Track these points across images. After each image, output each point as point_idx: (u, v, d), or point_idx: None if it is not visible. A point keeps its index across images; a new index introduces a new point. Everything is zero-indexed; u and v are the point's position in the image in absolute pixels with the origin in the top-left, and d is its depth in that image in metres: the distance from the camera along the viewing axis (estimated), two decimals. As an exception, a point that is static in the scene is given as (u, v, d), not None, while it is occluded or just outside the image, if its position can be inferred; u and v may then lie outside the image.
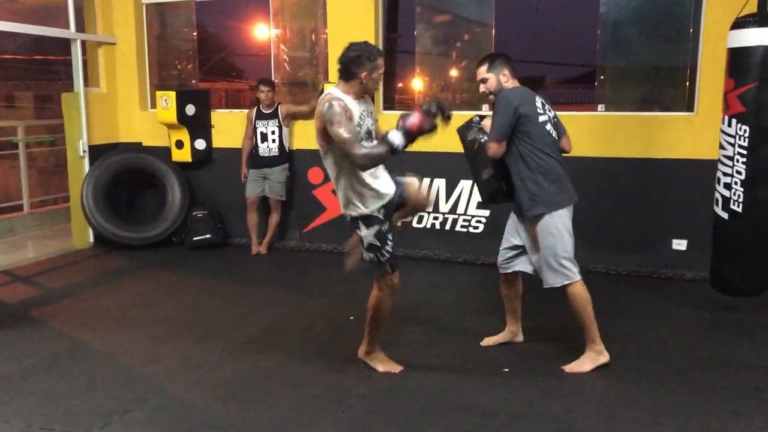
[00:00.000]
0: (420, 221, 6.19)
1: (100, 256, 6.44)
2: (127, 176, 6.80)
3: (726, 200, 4.38)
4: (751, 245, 4.35)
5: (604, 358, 3.63)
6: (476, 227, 6.05)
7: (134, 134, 7.14)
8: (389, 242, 3.44)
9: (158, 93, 6.59)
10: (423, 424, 3.12)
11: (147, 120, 7.07)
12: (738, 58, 4.25)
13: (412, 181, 3.63)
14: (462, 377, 3.61)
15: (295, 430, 3.09)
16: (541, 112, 3.57)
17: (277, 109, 6.33)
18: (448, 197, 6.09)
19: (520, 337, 4.04)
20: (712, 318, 4.55)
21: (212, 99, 7.08)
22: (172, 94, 6.46)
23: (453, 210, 6.10)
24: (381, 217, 3.40)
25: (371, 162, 3.22)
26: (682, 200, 5.48)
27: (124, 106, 7.13)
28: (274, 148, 6.32)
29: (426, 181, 6.07)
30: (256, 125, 6.33)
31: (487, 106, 6.17)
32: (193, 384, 3.56)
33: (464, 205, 6.06)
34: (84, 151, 6.67)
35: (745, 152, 4.24)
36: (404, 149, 3.19)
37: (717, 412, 3.20)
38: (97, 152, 6.72)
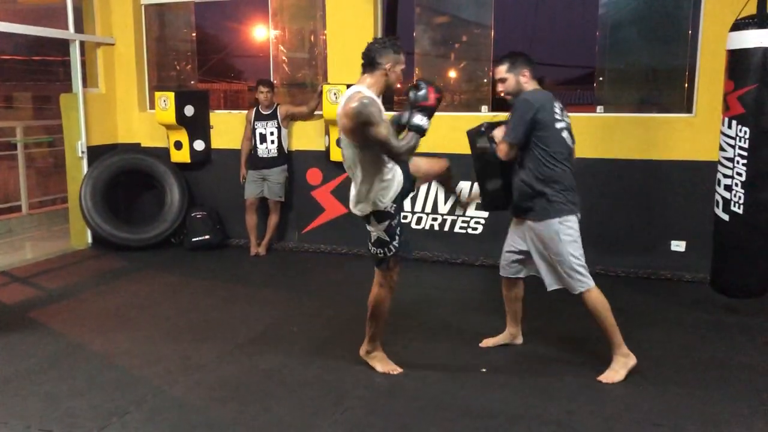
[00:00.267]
0: (419, 222, 6.18)
1: (98, 257, 6.43)
2: (126, 177, 6.79)
3: (726, 202, 4.38)
4: (752, 247, 4.35)
5: (633, 360, 3.58)
6: (475, 228, 6.05)
7: (133, 135, 7.13)
8: (398, 237, 3.44)
9: (157, 94, 6.59)
10: (422, 425, 3.11)
11: (146, 121, 7.07)
12: (738, 60, 4.25)
13: (414, 162, 3.59)
14: (461, 378, 3.61)
15: (294, 431, 3.09)
16: (559, 118, 3.51)
17: (276, 110, 6.33)
18: (447, 199, 6.09)
19: (519, 339, 4.03)
20: (711, 319, 4.55)
21: (211, 100, 7.08)
22: (171, 95, 6.46)
23: (452, 211, 6.10)
24: (392, 212, 3.42)
25: (411, 153, 3.29)
26: (680, 201, 5.48)
27: (123, 106, 7.12)
28: (273, 149, 6.31)
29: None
30: (255, 126, 6.32)
31: (486, 107, 6.18)
32: (192, 385, 3.56)
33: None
34: (82, 152, 6.66)
35: (745, 154, 4.24)
36: (428, 126, 3.28)
37: (716, 414, 3.20)
38: (95, 153, 6.71)
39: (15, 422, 3.16)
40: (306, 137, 6.52)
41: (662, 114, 5.72)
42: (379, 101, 3.29)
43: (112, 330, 4.40)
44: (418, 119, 3.23)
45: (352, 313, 4.62)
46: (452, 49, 6.92)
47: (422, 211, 6.15)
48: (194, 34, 7.42)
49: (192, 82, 7.58)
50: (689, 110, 5.53)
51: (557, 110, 3.52)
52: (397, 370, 3.64)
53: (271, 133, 6.31)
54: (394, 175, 3.41)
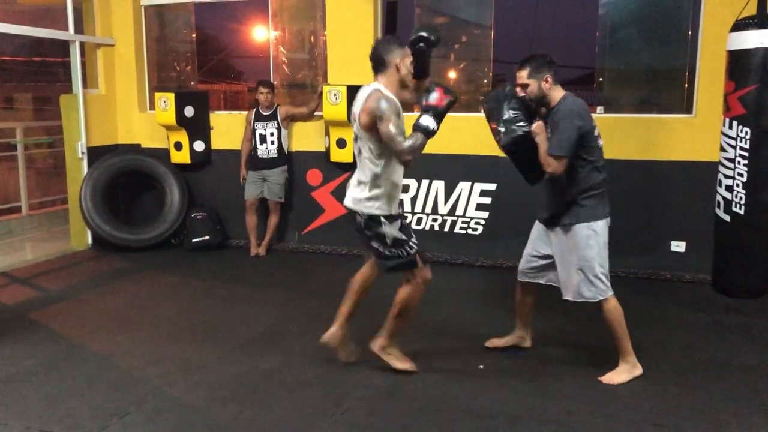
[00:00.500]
0: (419, 223, 6.18)
1: (98, 257, 6.43)
2: (126, 178, 6.80)
3: (727, 202, 4.38)
4: (753, 247, 4.36)
5: (639, 370, 3.55)
6: (475, 229, 6.05)
7: (133, 136, 7.14)
8: (412, 233, 3.44)
9: (157, 95, 6.59)
10: (422, 426, 3.11)
11: (146, 122, 7.07)
12: (738, 61, 4.26)
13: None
14: (461, 379, 3.61)
15: (294, 431, 3.09)
16: (595, 124, 3.43)
17: (276, 110, 6.33)
18: (447, 199, 6.09)
19: (527, 343, 3.97)
20: (711, 320, 4.55)
21: (211, 101, 7.08)
22: (171, 96, 6.46)
23: (452, 212, 6.10)
24: (401, 211, 3.44)
25: (415, 153, 3.24)
26: (680, 202, 5.48)
27: (123, 107, 7.13)
28: (273, 149, 6.31)
29: (425, 183, 6.08)
30: (255, 127, 6.33)
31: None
32: (192, 386, 3.56)
33: (463, 206, 6.05)
34: (82, 153, 6.66)
35: (746, 154, 4.25)
36: (437, 128, 3.26)
37: (716, 414, 3.20)
38: (95, 154, 6.71)
39: (15, 423, 3.16)
40: (306, 138, 6.52)
41: (662, 114, 5.73)
42: (397, 101, 3.30)
43: (113, 331, 4.40)
44: (426, 119, 3.22)
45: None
46: (452, 49, 6.93)
47: (422, 212, 6.15)
48: (194, 35, 7.43)
49: (192, 83, 7.59)
50: (689, 111, 5.53)
51: (593, 116, 3.45)
52: (413, 367, 3.63)
53: (271, 134, 6.31)
54: (398, 177, 3.41)
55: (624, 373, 3.55)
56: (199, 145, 6.75)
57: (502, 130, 3.44)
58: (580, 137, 3.32)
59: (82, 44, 6.74)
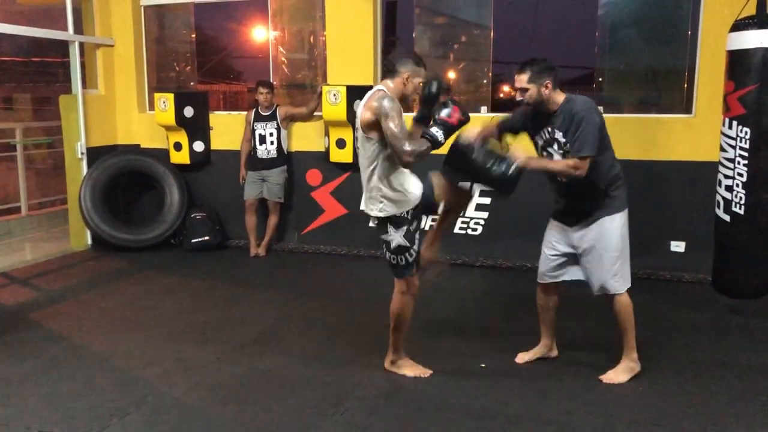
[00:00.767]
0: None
1: (98, 258, 6.43)
2: (126, 178, 6.79)
3: (727, 202, 4.38)
4: (753, 247, 4.35)
5: (638, 368, 3.56)
6: (475, 229, 6.05)
7: (132, 136, 7.13)
8: (417, 241, 3.43)
9: (156, 95, 6.58)
10: (422, 426, 3.11)
11: (145, 122, 7.07)
12: (738, 61, 4.25)
13: (438, 179, 3.52)
14: (461, 379, 3.60)
15: (293, 431, 3.09)
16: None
17: (275, 111, 6.33)
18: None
19: (554, 352, 3.85)
20: (711, 320, 4.55)
21: (210, 101, 7.08)
22: (171, 96, 6.46)
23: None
24: (409, 217, 3.40)
25: (416, 158, 3.20)
26: (680, 202, 5.48)
27: (123, 108, 7.12)
28: (273, 150, 6.31)
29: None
30: (255, 127, 6.32)
31: (486, 108, 6.18)
32: (192, 386, 3.55)
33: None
34: (82, 153, 6.66)
35: (746, 154, 4.24)
36: (444, 142, 3.28)
37: (716, 415, 3.20)
38: (95, 154, 6.71)
39: (15, 423, 3.16)
40: (305, 138, 6.52)
41: (662, 115, 5.73)
42: (398, 104, 3.30)
43: (112, 331, 4.40)
44: (437, 131, 3.23)
45: (352, 314, 4.62)
46: (451, 49, 6.93)
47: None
48: (194, 35, 7.43)
49: (191, 84, 7.59)
50: (689, 111, 5.53)
51: None
52: (427, 372, 3.62)
53: (271, 134, 6.31)
54: (410, 183, 3.41)
55: (624, 372, 3.55)
56: (198, 146, 6.75)
57: (495, 180, 3.35)
58: (600, 132, 3.32)
59: (81, 44, 6.73)
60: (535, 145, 3.55)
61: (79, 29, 6.73)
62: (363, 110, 3.31)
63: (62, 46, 6.86)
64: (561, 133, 3.36)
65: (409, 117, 3.39)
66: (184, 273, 5.86)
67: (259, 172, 6.34)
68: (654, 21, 5.85)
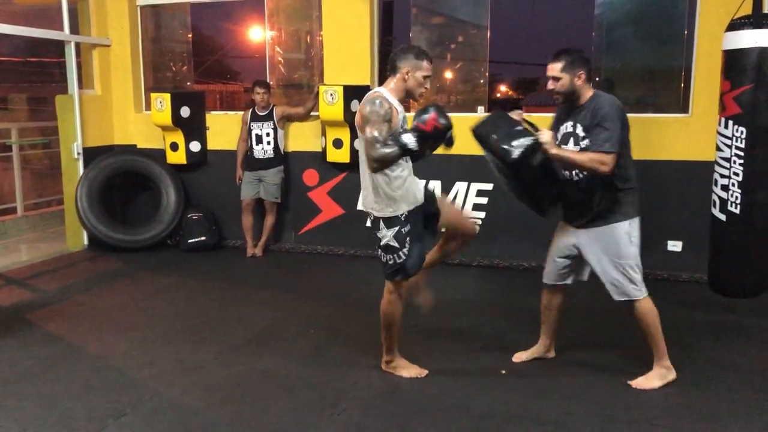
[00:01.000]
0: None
1: (94, 258, 6.41)
2: (122, 178, 6.78)
3: (723, 202, 4.38)
4: (749, 247, 4.36)
5: (672, 375, 3.48)
6: (472, 229, 6.04)
7: (129, 136, 7.12)
8: (407, 245, 3.37)
9: (153, 95, 6.57)
10: (419, 426, 3.11)
11: (142, 122, 7.05)
12: (734, 60, 4.26)
13: (446, 201, 3.50)
14: (458, 379, 3.60)
15: (291, 433, 3.08)
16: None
17: (272, 111, 6.32)
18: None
19: (552, 353, 3.84)
20: (708, 319, 4.55)
21: (207, 101, 7.07)
22: (167, 96, 6.45)
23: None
24: (402, 219, 3.37)
25: (382, 164, 3.20)
26: (676, 201, 5.49)
27: (119, 108, 7.11)
28: (269, 150, 6.31)
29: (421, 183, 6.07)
30: (251, 127, 6.32)
31: (483, 107, 6.17)
32: (189, 387, 3.55)
33: (459, 206, 6.05)
34: (78, 154, 6.64)
35: (741, 154, 4.25)
36: (419, 149, 3.17)
37: (713, 414, 3.20)
38: (91, 154, 6.69)
39: (11, 425, 3.14)
40: (302, 138, 6.51)
41: (658, 114, 5.73)
42: (395, 103, 3.30)
43: (109, 332, 4.39)
44: (407, 136, 3.16)
45: (349, 314, 4.62)
46: (448, 49, 6.93)
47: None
48: (190, 36, 7.41)
49: (188, 84, 7.57)
50: (685, 110, 5.54)
51: None
52: (423, 372, 3.61)
53: (267, 134, 6.30)
54: (409, 185, 3.40)
55: (657, 378, 3.48)
56: (195, 146, 6.74)
57: (509, 144, 3.23)
58: (623, 131, 3.28)
59: (77, 44, 6.72)
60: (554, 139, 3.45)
61: (75, 29, 6.72)
62: (358, 112, 3.33)
63: (58, 46, 6.84)
64: (582, 128, 3.32)
65: (410, 117, 3.38)
66: (181, 273, 5.85)
67: (256, 172, 6.34)
68: (650, 21, 5.85)
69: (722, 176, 4.38)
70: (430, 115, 3.16)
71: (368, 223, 3.51)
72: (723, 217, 4.40)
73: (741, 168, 4.26)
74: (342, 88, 5.86)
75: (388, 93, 3.33)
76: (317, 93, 6.07)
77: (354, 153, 6.04)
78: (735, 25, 4.25)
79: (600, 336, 3.98)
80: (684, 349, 4.00)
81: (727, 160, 4.32)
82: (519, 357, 3.84)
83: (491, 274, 5.76)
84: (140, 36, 7.11)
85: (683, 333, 4.29)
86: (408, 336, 4.22)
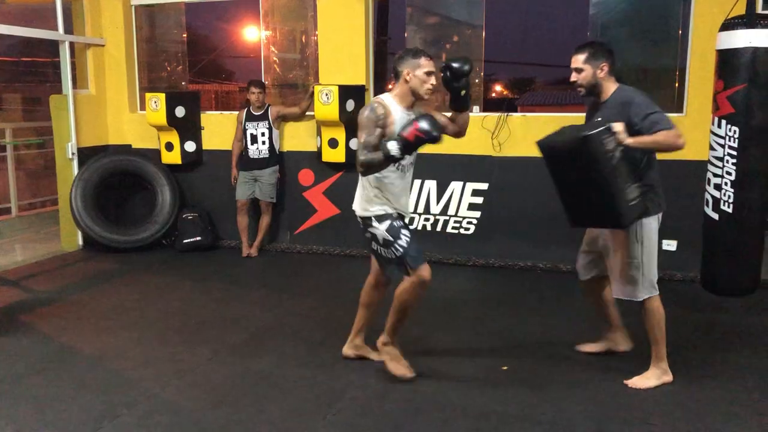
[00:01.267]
0: (411, 222, 6.18)
1: (89, 259, 6.40)
2: (117, 179, 6.76)
3: (716, 201, 4.40)
4: (742, 246, 4.38)
5: (668, 377, 3.48)
6: (467, 228, 6.06)
7: (123, 136, 7.11)
8: (402, 236, 3.39)
9: (148, 95, 6.55)
10: (415, 426, 3.11)
11: (136, 122, 7.04)
12: (727, 60, 4.28)
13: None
14: (455, 379, 3.61)
15: (287, 433, 3.08)
16: None
17: (267, 110, 6.32)
18: (439, 199, 6.09)
19: (622, 346, 3.78)
20: (703, 318, 4.57)
21: (202, 101, 7.06)
22: (162, 96, 6.43)
23: (444, 211, 6.10)
24: (394, 215, 3.42)
25: (368, 169, 3.27)
26: (671, 201, 5.45)
27: (113, 108, 7.09)
28: (264, 150, 6.30)
29: (417, 182, 6.08)
30: (246, 127, 6.31)
31: (478, 107, 6.18)
32: (184, 387, 3.54)
33: (455, 206, 6.06)
34: (73, 154, 6.62)
35: (734, 153, 4.27)
36: (402, 156, 3.23)
37: (708, 413, 3.22)
38: (86, 155, 6.68)
39: (5, 426, 3.14)
40: (297, 138, 6.51)
41: (653, 114, 5.73)
42: (394, 108, 3.33)
43: (103, 332, 4.38)
44: (391, 144, 3.21)
45: (345, 313, 4.61)
46: (443, 49, 6.93)
47: (414, 212, 6.15)
48: (185, 35, 7.40)
49: (183, 83, 7.56)
50: (680, 110, 5.55)
51: None
52: (408, 375, 3.54)
53: (263, 134, 6.30)
54: (399, 191, 3.45)
55: (653, 378, 3.48)
56: (190, 146, 6.72)
57: (581, 130, 3.15)
58: None
59: (71, 44, 6.70)
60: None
61: (69, 29, 6.70)
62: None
63: (52, 46, 6.83)
64: (601, 119, 3.28)
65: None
66: (176, 274, 5.85)
67: (251, 172, 6.33)
68: (645, 21, 5.87)
69: (715, 175, 4.40)
70: (414, 125, 3.22)
71: (360, 222, 3.53)
72: (716, 216, 4.42)
73: (734, 167, 4.28)
74: (337, 87, 5.86)
75: (390, 99, 3.38)
76: (312, 93, 6.07)
77: (349, 153, 6.05)
78: (729, 25, 4.27)
79: (597, 335, 3.98)
80: (678, 348, 4.01)
81: (720, 159, 4.34)
82: (584, 348, 3.85)
83: (487, 274, 5.76)
84: (135, 35, 7.09)
85: (677, 332, 4.30)
86: (404, 336, 4.22)
